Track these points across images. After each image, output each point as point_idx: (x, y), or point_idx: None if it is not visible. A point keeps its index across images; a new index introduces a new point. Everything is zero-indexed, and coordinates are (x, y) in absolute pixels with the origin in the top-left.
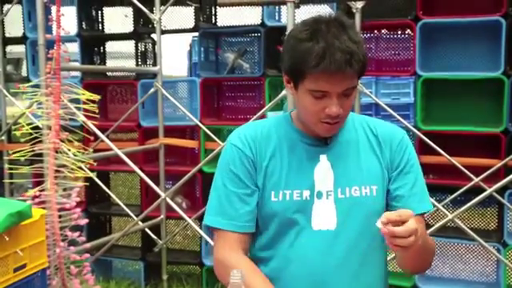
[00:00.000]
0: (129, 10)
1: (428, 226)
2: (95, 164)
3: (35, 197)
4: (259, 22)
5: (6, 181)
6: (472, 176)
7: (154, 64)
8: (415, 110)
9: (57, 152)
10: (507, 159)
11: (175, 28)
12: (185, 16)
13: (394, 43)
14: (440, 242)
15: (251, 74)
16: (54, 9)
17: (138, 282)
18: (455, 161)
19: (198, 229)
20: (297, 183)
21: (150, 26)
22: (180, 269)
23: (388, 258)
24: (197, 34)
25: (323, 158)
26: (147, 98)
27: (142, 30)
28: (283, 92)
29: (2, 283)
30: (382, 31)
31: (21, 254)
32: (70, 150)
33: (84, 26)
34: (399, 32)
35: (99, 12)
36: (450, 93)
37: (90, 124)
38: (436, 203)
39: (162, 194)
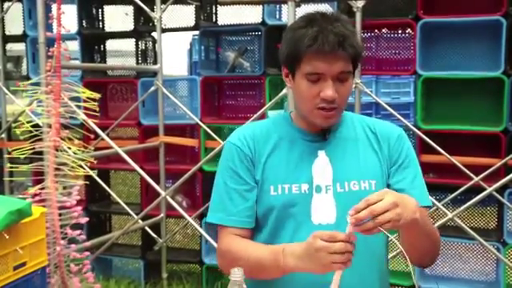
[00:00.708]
0: (129, 9)
1: None
2: (95, 162)
3: (35, 195)
4: (260, 20)
5: (6, 179)
6: (472, 175)
7: (155, 62)
8: (415, 109)
9: (57, 150)
10: (507, 158)
11: (176, 26)
12: (185, 14)
13: (394, 42)
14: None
15: (252, 72)
16: (54, 7)
17: (137, 281)
18: (455, 160)
19: (198, 227)
20: (295, 177)
21: (151, 24)
22: (180, 267)
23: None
24: (197, 32)
25: (321, 153)
26: (147, 97)
27: (143, 28)
28: (284, 91)
29: (1, 281)
30: (383, 30)
31: (21, 252)
32: (70, 148)
33: (84, 24)
34: (399, 31)
35: (100, 10)
36: (450, 92)
37: (91, 122)
38: (436, 202)
39: (163, 193)
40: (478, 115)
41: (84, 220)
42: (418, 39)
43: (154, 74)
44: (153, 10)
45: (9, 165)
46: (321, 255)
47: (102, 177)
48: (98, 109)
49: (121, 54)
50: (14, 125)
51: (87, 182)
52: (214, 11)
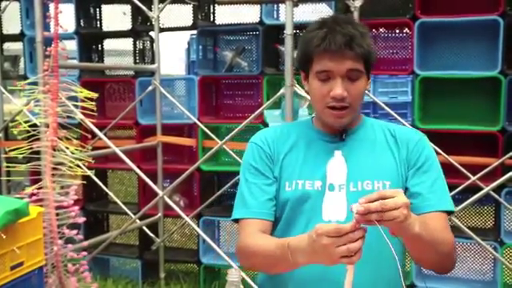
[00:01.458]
0: (127, 8)
1: None
2: (93, 162)
3: (32, 194)
4: (257, 20)
5: (4, 178)
6: (469, 175)
7: (152, 62)
8: (413, 109)
9: (54, 150)
10: (504, 158)
11: (173, 26)
12: (183, 14)
13: (391, 42)
14: None
15: (249, 72)
16: (51, 6)
17: (135, 281)
18: (452, 159)
19: (195, 227)
20: (310, 174)
21: (148, 23)
22: (177, 267)
23: None
24: (195, 32)
25: (338, 153)
26: (145, 96)
27: (140, 27)
28: (281, 90)
29: None
30: (380, 30)
31: (18, 251)
32: (67, 147)
33: (82, 24)
34: (397, 31)
35: (97, 9)
36: (447, 92)
37: (88, 122)
38: None
39: (160, 192)
40: (475, 115)
41: (81, 220)
42: (416, 39)
43: (152, 73)
44: (150, 10)
45: (6, 164)
46: (329, 251)
47: (100, 176)
48: (95, 108)
49: (118, 54)
50: (11, 124)
51: (84, 182)
52: (211, 11)
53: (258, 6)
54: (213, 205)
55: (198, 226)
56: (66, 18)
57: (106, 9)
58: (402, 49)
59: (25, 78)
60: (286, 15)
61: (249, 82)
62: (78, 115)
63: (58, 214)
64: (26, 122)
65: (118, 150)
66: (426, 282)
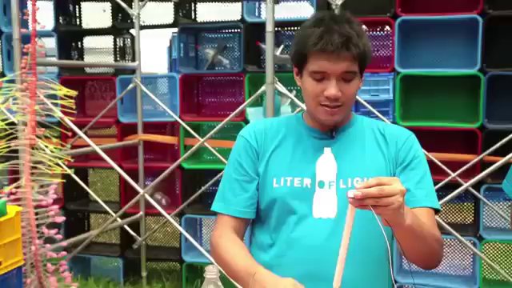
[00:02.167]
0: (107, 5)
1: None
2: (72, 161)
3: (11, 194)
4: (239, 17)
5: None
6: (449, 171)
7: (133, 60)
8: (394, 107)
9: (33, 148)
10: (483, 154)
11: (154, 23)
12: (164, 11)
13: (373, 40)
14: None
15: (231, 69)
16: (29, 3)
17: (117, 280)
18: (432, 156)
19: (177, 225)
20: (298, 171)
21: (129, 21)
22: (160, 265)
23: None
24: (176, 29)
25: (327, 150)
26: (126, 95)
27: (121, 25)
28: (262, 88)
29: None
30: None
31: None
32: (46, 146)
33: (61, 21)
34: (378, 29)
35: (76, 6)
36: (428, 89)
37: (67, 120)
38: None
39: (141, 191)
40: (455, 112)
41: (61, 219)
42: (397, 37)
43: (133, 71)
44: (131, 7)
45: None
46: None
47: (80, 175)
48: (74, 106)
49: (98, 52)
50: None
51: (64, 181)
52: (193, 8)
53: (240, 3)
54: (195, 203)
55: (180, 225)
56: (45, 15)
57: (85, 6)
58: (383, 47)
59: (2, 75)
60: (266, 12)
61: (231, 80)
62: (58, 113)
63: (37, 214)
64: (3, 120)
65: (98, 149)
66: (406, 278)
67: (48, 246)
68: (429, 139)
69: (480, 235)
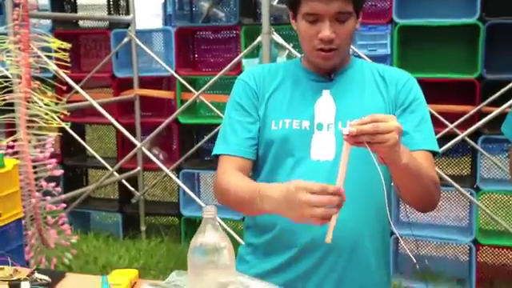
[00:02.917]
0: None
1: None
2: (68, 115)
3: (9, 147)
4: None
5: None
6: (447, 122)
7: (127, 13)
8: (392, 58)
9: (28, 102)
10: (481, 105)
11: None
12: None
13: None
14: None
15: (227, 22)
16: None
17: (116, 234)
18: (430, 108)
19: (175, 178)
20: (297, 113)
21: None
22: (158, 220)
23: None
24: None
25: (326, 92)
26: (121, 49)
27: None
28: (258, 38)
29: None
30: None
31: None
32: (42, 100)
33: None
34: None
35: None
36: (425, 41)
37: (62, 73)
38: None
39: (138, 144)
40: (453, 63)
41: (59, 172)
42: None
43: (127, 25)
44: None
45: None
46: (303, 208)
47: (78, 131)
48: (69, 59)
49: (92, 8)
50: None
51: (61, 134)
52: None
53: None
54: (192, 158)
55: (178, 179)
56: None
57: None
58: (381, 1)
59: None
60: None
61: (227, 36)
62: (52, 66)
63: (35, 167)
64: None
65: (94, 103)
66: (402, 229)
67: (48, 198)
68: (427, 91)
69: (477, 186)
